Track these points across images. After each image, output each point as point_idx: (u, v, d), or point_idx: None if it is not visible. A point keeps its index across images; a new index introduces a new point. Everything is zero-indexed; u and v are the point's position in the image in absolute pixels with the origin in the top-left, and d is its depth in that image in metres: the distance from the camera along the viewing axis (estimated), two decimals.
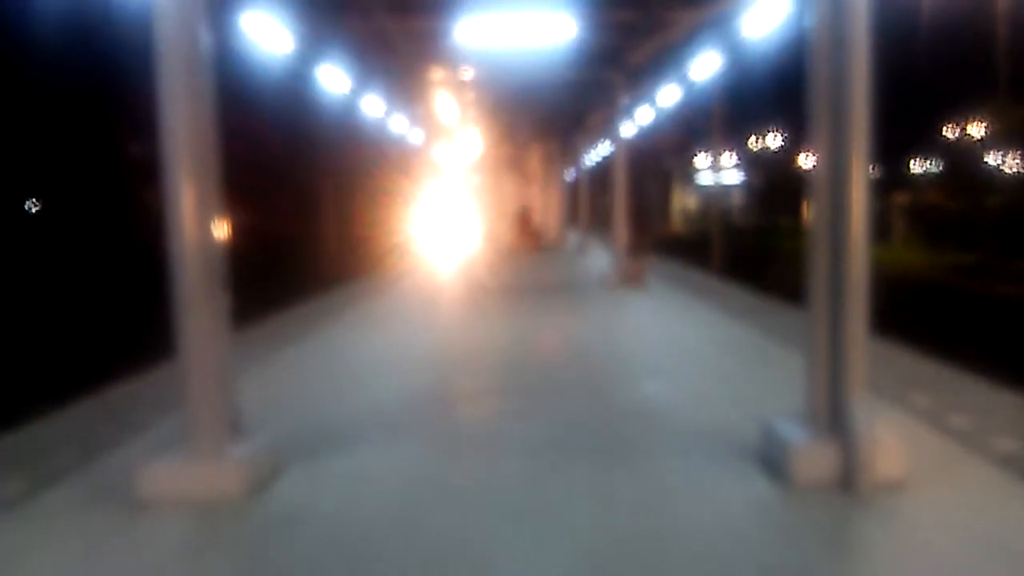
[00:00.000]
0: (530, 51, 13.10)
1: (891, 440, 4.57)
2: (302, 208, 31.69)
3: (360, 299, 14.38)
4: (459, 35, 11.32)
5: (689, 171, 53.08)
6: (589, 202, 31.02)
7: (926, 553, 3.79)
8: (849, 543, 4.03)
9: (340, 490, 4.76)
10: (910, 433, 5.28)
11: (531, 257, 24.37)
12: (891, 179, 43.02)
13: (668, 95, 18.21)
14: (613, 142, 17.40)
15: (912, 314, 12.91)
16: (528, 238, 27.18)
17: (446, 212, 24.78)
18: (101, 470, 5.12)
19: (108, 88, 24.71)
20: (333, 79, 14.72)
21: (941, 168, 44.96)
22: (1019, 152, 37.05)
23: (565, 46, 12.97)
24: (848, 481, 4.46)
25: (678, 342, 9.59)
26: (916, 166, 46.82)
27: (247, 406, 5.15)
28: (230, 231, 5.07)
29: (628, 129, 20.12)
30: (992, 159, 39.40)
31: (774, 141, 49.95)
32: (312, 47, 13.03)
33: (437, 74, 16.45)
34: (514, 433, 5.85)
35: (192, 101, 4.67)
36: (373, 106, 18.29)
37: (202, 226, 4.71)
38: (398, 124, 21.92)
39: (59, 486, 4.83)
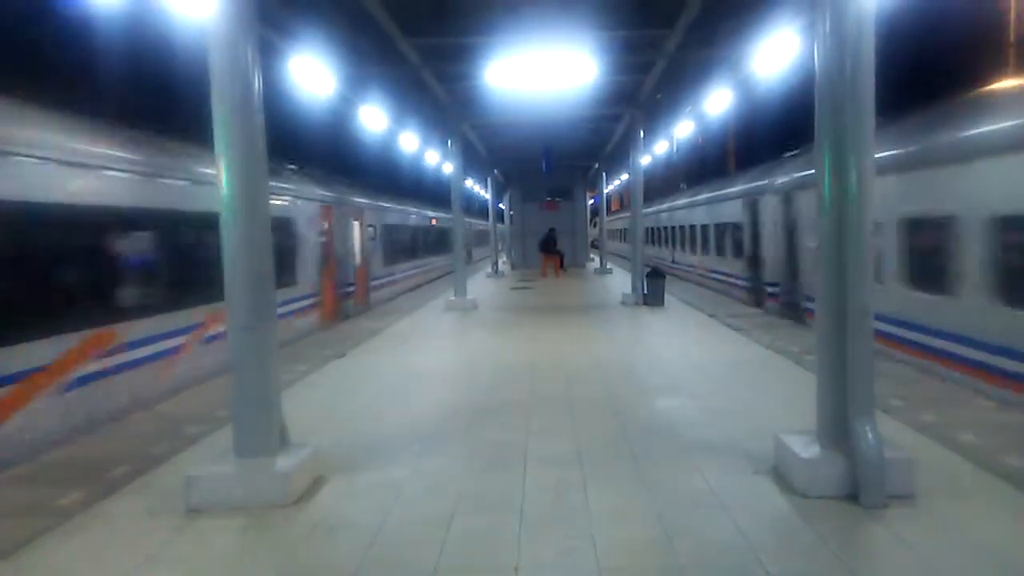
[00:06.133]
0: (554, 91, 13.70)
1: (898, 454, 4.80)
2: None
3: None
4: (490, 77, 11.95)
5: None
6: (608, 227, 31.59)
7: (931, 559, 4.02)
8: (857, 554, 4.22)
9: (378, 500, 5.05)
10: (917, 447, 5.51)
11: (557, 279, 24.88)
12: None
13: (683, 129, 18.70)
14: (631, 171, 17.89)
15: None
16: (555, 261, 27.62)
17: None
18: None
19: None
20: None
21: None
22: None
23: (587, 85, 13.53)
24: (856, 493, 4.69)
25: (692, 356, 10.10)
26: None
27: None
28: None
29: (645, 160, 20.52)
30: None
31: None
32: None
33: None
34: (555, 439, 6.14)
35: (245, 133, 5.03)
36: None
37: (255, 251, 5.08)
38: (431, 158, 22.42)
39: (115, 494, 5.15)
